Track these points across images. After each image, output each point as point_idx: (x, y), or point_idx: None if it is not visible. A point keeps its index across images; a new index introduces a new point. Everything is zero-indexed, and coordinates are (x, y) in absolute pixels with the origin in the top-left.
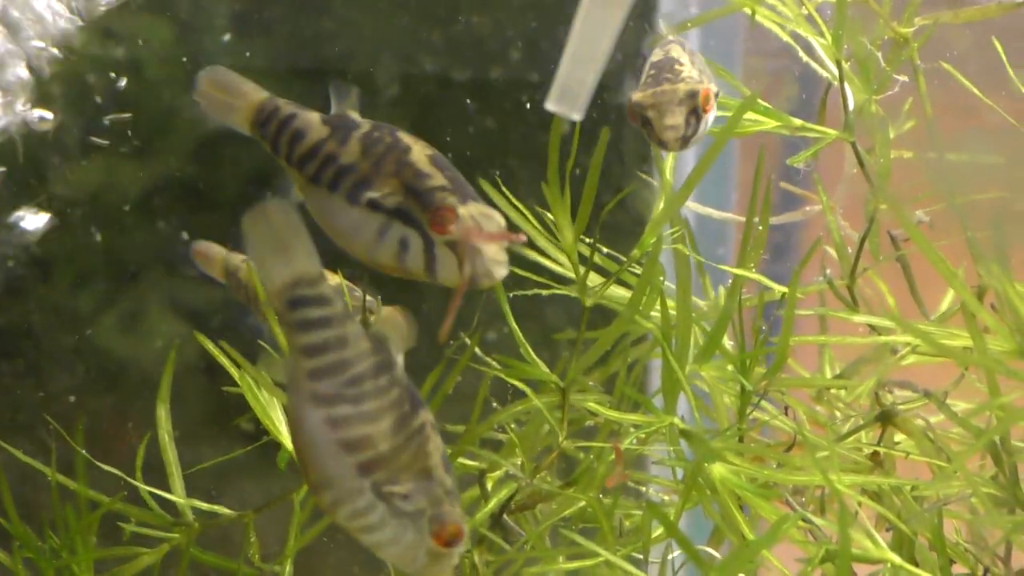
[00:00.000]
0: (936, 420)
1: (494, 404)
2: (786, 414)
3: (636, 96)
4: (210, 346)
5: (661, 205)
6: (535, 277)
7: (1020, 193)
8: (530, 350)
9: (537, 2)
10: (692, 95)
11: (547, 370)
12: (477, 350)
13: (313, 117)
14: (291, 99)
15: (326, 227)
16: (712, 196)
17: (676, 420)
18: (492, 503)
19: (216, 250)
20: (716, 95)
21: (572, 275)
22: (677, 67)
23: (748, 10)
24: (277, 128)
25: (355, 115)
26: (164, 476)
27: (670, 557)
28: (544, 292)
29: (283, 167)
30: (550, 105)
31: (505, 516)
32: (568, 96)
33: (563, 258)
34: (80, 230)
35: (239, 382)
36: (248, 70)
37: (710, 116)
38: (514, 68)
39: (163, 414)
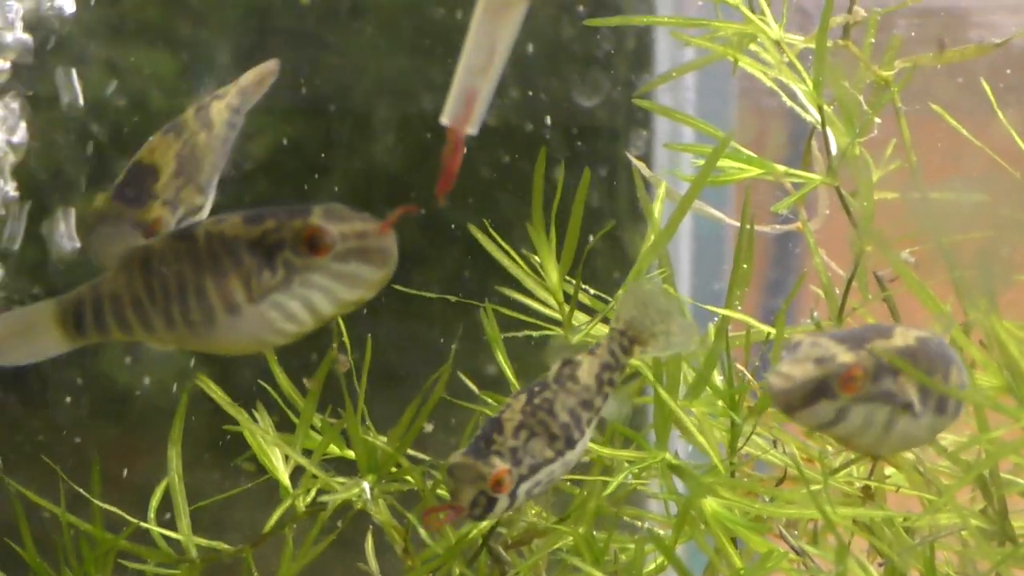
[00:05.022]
0: (925, 455)
1: None
2: (775, 447)
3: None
4: (211, 387)
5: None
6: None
7: (1005, 234)
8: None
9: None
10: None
11: None
12: (471, 384)
13: None
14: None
15: None
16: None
17: (668, 456)
18: (475, 530)
19: None
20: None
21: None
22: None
23: (732, 58)
24: None
25: None
26: (165, 506)
27: None
28: (534, 334)
29: None
30: (445, 120)
31: (501, 549)
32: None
33: (550, 299)
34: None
35: (238, 420)
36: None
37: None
38: (514, 112)
39: (174, 455)
